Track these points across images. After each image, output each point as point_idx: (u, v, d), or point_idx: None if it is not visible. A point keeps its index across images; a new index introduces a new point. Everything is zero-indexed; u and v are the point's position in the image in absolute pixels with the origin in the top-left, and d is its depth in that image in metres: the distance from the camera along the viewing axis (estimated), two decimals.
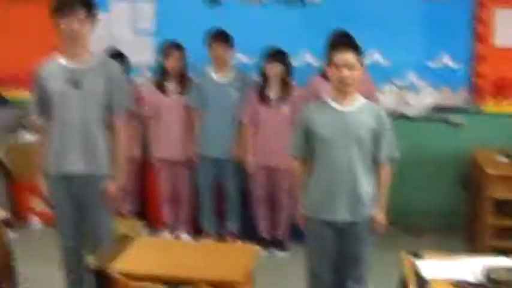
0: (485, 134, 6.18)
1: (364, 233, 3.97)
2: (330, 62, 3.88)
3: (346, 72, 3.78)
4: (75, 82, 4.04)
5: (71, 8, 3.90)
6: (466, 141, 6.18)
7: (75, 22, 3.91)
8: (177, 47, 5.92)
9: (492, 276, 3.17)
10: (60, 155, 4.12)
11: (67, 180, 4.14)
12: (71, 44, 4.02)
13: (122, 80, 4.30)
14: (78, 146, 4.09)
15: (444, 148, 6.32)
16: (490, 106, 6.20)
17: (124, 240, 3.74)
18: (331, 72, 3.86)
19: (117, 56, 5.97)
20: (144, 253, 3.66)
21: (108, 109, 4.15)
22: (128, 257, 3.53)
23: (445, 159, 6.31)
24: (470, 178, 6.07)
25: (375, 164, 3.96)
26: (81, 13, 3.93)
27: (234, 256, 3.65)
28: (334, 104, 3.91)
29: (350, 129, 3.85)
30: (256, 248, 3.93)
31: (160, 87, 5.97)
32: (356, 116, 3.88)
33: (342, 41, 4.07)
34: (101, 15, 6.26)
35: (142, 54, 6.56)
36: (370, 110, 3.95)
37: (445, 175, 6.34)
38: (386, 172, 4.02)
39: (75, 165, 4.11)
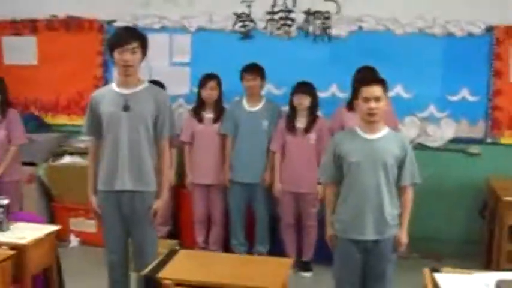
0: (502, 164, 6.37)
1: (388, 251, 4.23)
2: (358, 95, 4.17)
3: (373, 104, 4.06)
4: (125, 106, 4.35)
5: (126, 40, 4.25)
6: (483, 170, 6.36)
7: (128, 53, 4.25)
8: (213, 77, 6.21)
9: (502, 287, 3.39)
10: (110, 172, 4.41)
11: (116, 197, 4.42)
12: (123, 73, 4.35)
13: (168, 106, 4.56)
14: (127, 164, 4.38)
15: (463, 177, 6.49)
16: (506, 137, 6.40)
17: (169, 253, 4.02)
18: (360, 104, 4.15)
19: (156, 85, 6.31)
20: (188, 264, 3.92)
21: (156, 131, 4.45)
22: (174, 267, 3.80)
23: (464, 188, 6.49)
24: (487, 206, 6.25)
25: (398, 187, 4.24)
26: (134, 45, 4.26)
27: (270, 267, 3.87)
28: (362, 133, 4.20)
29: (377, 155, 4.13)
30: (289, 261, 4.19)
31: (197, 115, 6.27)
32: (382, 143, 4.16)
33: (369, 75, 4.36)
34: None
35: (179, 84, 6.86)
36: (395, 138, 4.24)
37: (464, 203, 6.53)
38: (408, 195, 4.28)
39: (124, 182, 4.39)
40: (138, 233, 4.50)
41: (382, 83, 4.19)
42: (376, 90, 4.10)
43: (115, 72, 4.72)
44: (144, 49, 4.39)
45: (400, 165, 4.20)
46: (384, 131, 4.21)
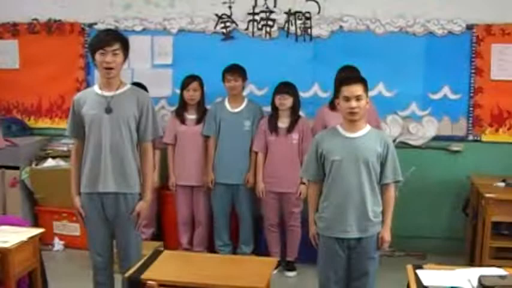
0: (483, 161, 6.42)
1: (372, 249, 4.25)
2: (339, 94, 4.20)
3: (354, 103, 4.09)
4: (107, 108, 4.35)
5: (107, 42, 4.26)
6: (465, 168, 6.41)
7: (110, 55, 4.25)
8: (195, 78, 6.22)
9: (484, 282, 3.41)
10: (93, 174, 4.39)
11: (99, 199, 4.41)
12: (105, 75, 4.34)
13: (151, 108, 4.54)
14: (110, 166, 4.37)
15: (445, 175, 6.53)
16: (487, 135, 6.45)
17: (153, 254, 4.03)
18: (341, 103, 4.18)
19: (138, 86, 6.31)
20: (172, 264, 3.93)
21: (138, 133, 4.46)
22: (158, 268, 3.81)
23: (446, 186, 6.53)
24: (469, 203, 6.29)
25: (381, 185, 4.26)
26: (116, 47, 4.27)
27: (254, 267, 3.89)
28: (343, 131, 4.23)
29: (359, 153, 4.16)
30: (273, 260, 4.21)
31: (179, 116, 6.28)
32: (364, 141, 4.19)
33: (350, 74, 4.37)
34: None
35: (161, 86, 6.86)
36: (377, 136, 4.28)
37: (446, 200, 6.58)
38: (390, 193, 4.30)
39: (107, 184, 4.38)
40: (122, 235, 4.48)
41: (363, 82, 4.22)
42: (357, 89, 4.13)
43: (97, 75, 4.68)
44: (126, 51, 4.40)
45: (382, 163, 4.22)
46: (365, 130, 4.24)
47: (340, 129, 4.26)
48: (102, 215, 4.44)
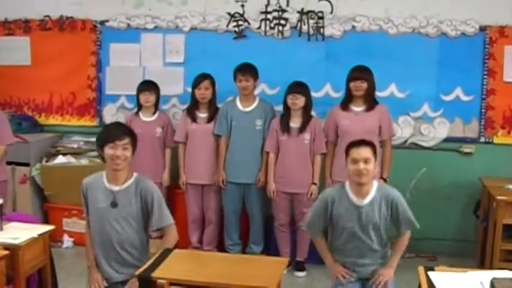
0: (495, 163, 6.40)
1: None
2: (347, 156, 4.23)
3: (362, 165, 4.12)
4: (113, 202, 4.31)
5: (117, 137, 4.23)
6: (476, 170, 6.38)
7: (120, 149, 4.22)
8: (206, 77, 6.22)
9: (497, 285, 3.39)
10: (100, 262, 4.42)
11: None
12: (114, 167, 4.27)
13: (156, 197, 4.36)
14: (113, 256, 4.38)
15: (456, 177, 6.51)
16: (499, 137, 6.42)
17: (163, 252, 4.01)
18: (349, 165, 4.19)
19: (151, 84, 6.37)
20: (182, 263, 3.91)
21: (152, 221, 4.37)
22: (168, 266, 3.80)
23: (457, 187, 6.51)
24: (480, 205, 6.26)
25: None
26: (125, 141, 4.25)
27: (265, 267, 3.86)
28: (352, 196, 4.24)
29: (368, 221, 4.22)
30: (284, 260, 4.19)
31: (191, 115, 6.27)
32: (372, 208, 4.21)
33: (359, 140, 4.30)
34: (133, 46, 6.74)
35: (172, 84, 6.86)
36: (382, 196, 4.24)
37: (458, 202, 6.55)
38: (404, 238, 4.36)
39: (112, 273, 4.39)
40: None
41: (371, 145, 4.25)
42: (365, 151, 4.17)
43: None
44: (134, 145, 4.36)
45: (394, 221, 4.28)
46: (372, 193, 4.24)
47: (349, 193, 4.27)
48: None
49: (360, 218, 4.22)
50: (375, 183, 4.29)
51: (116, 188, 4.32)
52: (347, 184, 4.29)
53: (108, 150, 4.24)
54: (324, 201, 4.34)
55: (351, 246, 4.30)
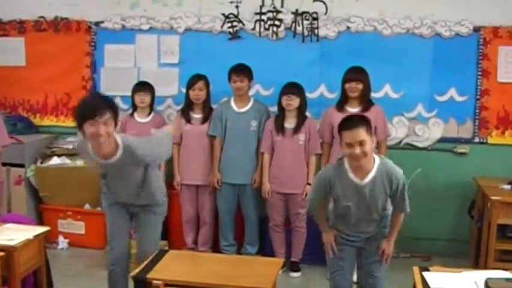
0: (489, 164, 6.42)
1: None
2: (340, 138, 4.05)
3: (358, 150, 3.93)
4: (103, 174, 4.44)
5: (97, 112, 3.93)
6: (471, 170, 6.38)
7: (101, 126, 3.93)
8: (201, 77, 6.22)
9: (491, 285, 3.41)
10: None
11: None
12: (98, 145, 4.08)
13: (141, 153, 4.28)
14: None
15: (451, 177, 6.51)
16: (493, 137, 6.43)
17: (159, 253, 4.03)
18: (344, 149, 4.02)
19: (146, 85, 6.38)
20: (178, 264, 3.93)
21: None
22: (164, 267, 3.81)
23: (452, 188, 6.52)
24: (475, 205, 6.28)
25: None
26: (107, 116, 3.97)
27: (260, 268, 3.89)
28: (351, 176, 4.10)
29: (368, 200, 4.14)
30: (280, 261, 4.20)
31: (185, 115, 6.28)
32: (372, 187, 4.10)
33: (350, 120, 4.12)
34: (127, 47, 6.74)
35: (167, 85, 6.85)
36: (384, 176, 4.09)
37: (452, 202, 6.57)
38: (398, 217, 4.32)
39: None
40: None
41: (364, 122, 4.04)
42: (359, 134, 3.94)
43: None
44: (116, 119, 4.11)
45: (392, 198, 4.23)
46: (373, 171, 4.09)
47: (349, 172, 4.12)
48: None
49: (361, 197, 4.12)
50: (377, 160, 4.12)
51: (105, 162, 4.21)
52: (346, 162, 4.12)
53: (88, 128, 3.93)
54: (323, 180, 4.25)
55: (351, 218, 4.26)
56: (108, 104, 4.03)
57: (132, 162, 4.24)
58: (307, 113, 6.10)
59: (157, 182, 4.60)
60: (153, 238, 4.71)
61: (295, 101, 5.91)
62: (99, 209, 6.56)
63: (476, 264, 5.96)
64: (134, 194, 4.46)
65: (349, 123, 4.02)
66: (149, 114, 6.44)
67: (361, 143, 3.92)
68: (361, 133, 3.93)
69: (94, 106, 3.96)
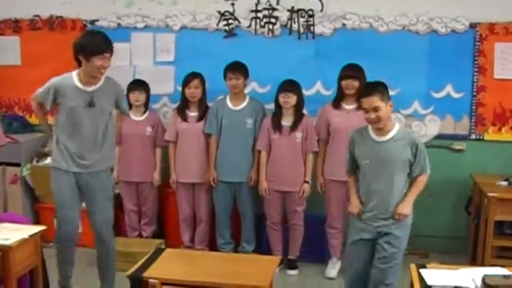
0: (486, 160, 6.42)
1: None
2: (359, 106, 4.49)
3: (372, 114, 4.31)
4: (90, 102, 4.84)
5: (106, 50, 4.75)
6: (468, 167, 6.40)
7: (106, 61, 4.77)
8: (196, 75, 6.21)
9: (488, 282, 3.40)
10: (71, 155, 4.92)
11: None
12: (95, 75, 4.85)
13: (123, 91, 5.44)
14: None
15: (447, 174, 6.48)
16: (490, 134, 6.43)
17: (155, 252, 4.01)
18: (363, 113, 4.40)
19: (141, 83, 6.36)
20: (174, 263, 3.93)
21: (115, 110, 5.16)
22: (160, 266, 3.81)
23: (449, 184, 6.50)
24: (472, 202, 6.28)
25: (410, 177, 4.53)
26: (111, 53, 4.81)
27: (257, 266, 3.90)
28: (372, 134, 4.48)
29: (387, 158, 4.41)
30: (276, 259, 4.19)
31: (181, 113, 6.27)
32: (391, 145, 4.40)
33: (367, 87, 4.51)
34: (123, 46, 6.71)
35: (163, 83, 6.83)
36: (404, 137, 4.43)
37: (449, 199, 6.57)
38: (419, 181, 4.55)
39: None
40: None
41: (378, 91, 4.36)
42: (373, 100, 4.31)
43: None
44: (112, 55, 4.89)
45: (411, 162, 4.45)
46: (392, 132, 4.44)
47: (371, 132, 4.50)
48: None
49: (379, 154, 4.42)
50: (397, 125, 4.49)
51: (90, 89, 4.88)
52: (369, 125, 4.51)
53: (97, 61, 4.71)
54: (348, 142, 4.64)
55: (373, 188, 4.46)
56: (111, 45, 4.82)
57: (110, 95, 5.00)
58: (304, 110, 6.08)
59: (111, 146, 5.17)
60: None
61: (292, 99, 5.89)
62: None
63: (473, 261, 5.96)
64: (91, 148, 4.92)
65: (365, 91, 4.46)
66: (144, 112, 6.43)
67: (376, 109, 4.30)
68: (375, 100, 4.32)
69: (103, 43, 4.76)
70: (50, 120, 5.44)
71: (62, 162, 4.93)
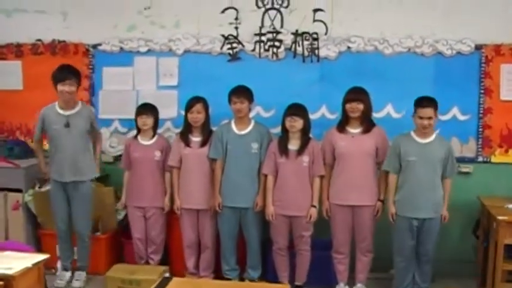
0: (493, 183, 6.41)
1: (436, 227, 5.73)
2: (415, 113, 5.61)
3: (426, 122, 5.53)
4: (66, 123, 6.02)
5: (67, 77, 5.99)
6: (475, 189, 6.38)
7: (67, 87, 5.98)
8: (199, 100, 6.14)
9: None
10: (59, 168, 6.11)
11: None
12: (66, 100, 6.06)
13: (94, 114, 6.48)
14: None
15: (454, 196, 6.24)
16: (497, 156, 6.43)
17: (162, 281, 3.95)
18: (416, 119, 5.60)
19: (149, 107, 6.33)
20: None
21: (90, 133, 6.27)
22: None
23: (456, 207, 6.31)
24: (480, 225, 6.24)
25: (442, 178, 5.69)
26: (73, 81, 6.01)
27: None
28: (416, 138, 5.66)
29: (429, 156, 5.59)
30: (285, 287, 4.12)
31: (184, 138, 6.20)
32: (432, 147, 5.62)
33: (425, 100, 5.58)
34: (126, 70, 6.68)
35: (166, 107, 6.77)
36: (442, 143, 5.70)
37: (456, 222, 6.45)
38: (448, 183, 5.74)
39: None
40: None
41: (434, 104, 5.56)
42: (429, 111, 5.53)
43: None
44: (79, 82, 6.16)
45: (444, 164, 5.63)
46: (433, 136, 5.67)
47: (414, 136, 5.68)
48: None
49: (423, 153, 5.59)
50: (435, 133, 5.70)
51: (68, 113, 6.07)
52: (412, 131, 5.70)
53: (60, 87, 5.97)
54: (394, 142, 5.78)
55: (413, 179, 5.62)
56: (73, 72, 6.04)
57: (85, 118, 6.14)
58: (310, 135, 6.02)
59: (91, 159, 6.31)
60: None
61: (298, 123, 5.84)
62: (98, 233, 6.52)
63: (483, 286, 5.94)
64: (73, 163, 6.07)
65: (424, 103, 5.57)
66: (153, 136, 6.36)
67: (429, 118, 5.53)
68: (430, 111, 5.55)
69: (66, 72, 6.00)
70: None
71: (54, 174, 6.15)
